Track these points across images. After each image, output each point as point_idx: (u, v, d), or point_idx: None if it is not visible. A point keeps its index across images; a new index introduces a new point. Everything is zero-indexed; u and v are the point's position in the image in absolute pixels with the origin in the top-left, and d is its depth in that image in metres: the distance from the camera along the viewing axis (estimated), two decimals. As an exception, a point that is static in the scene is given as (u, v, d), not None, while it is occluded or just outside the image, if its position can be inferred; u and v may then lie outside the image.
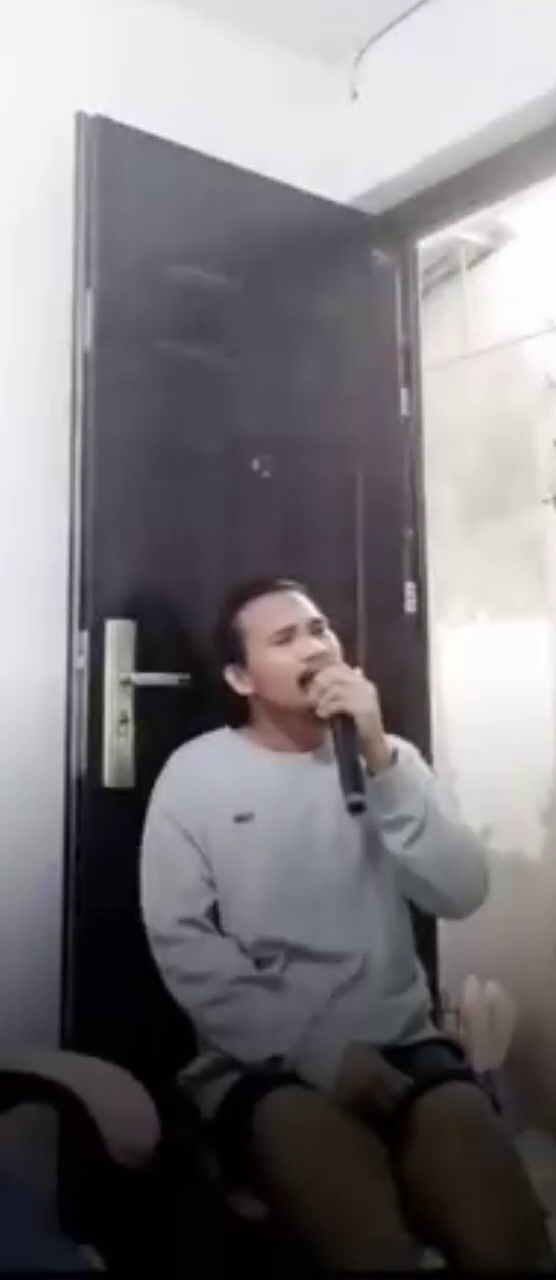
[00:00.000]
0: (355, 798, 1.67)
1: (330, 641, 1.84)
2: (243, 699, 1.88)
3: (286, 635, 1.81)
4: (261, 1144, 1.55)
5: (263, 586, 1.88)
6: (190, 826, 1.78)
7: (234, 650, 1.86)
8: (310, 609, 1.85)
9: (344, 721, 1.72)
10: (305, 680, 1.77)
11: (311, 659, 1.79)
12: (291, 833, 1.78)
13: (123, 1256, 1.44)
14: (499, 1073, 2.96)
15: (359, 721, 1.71)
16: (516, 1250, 1.38)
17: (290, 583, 1.89)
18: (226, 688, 1.88)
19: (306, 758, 1.85)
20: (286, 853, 1.76)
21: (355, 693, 1.74)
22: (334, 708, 1.73)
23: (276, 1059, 1.63)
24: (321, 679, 1.75)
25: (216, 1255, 1.71)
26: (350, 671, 1.79)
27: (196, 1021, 1.75)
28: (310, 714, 1.78)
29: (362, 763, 1.72)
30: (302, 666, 1.78)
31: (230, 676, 1.87)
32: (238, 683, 1.87)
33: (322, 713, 1.74)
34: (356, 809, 1.67)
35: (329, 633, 1.85)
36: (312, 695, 1.76)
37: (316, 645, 1.81)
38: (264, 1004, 1.69)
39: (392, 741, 1.80)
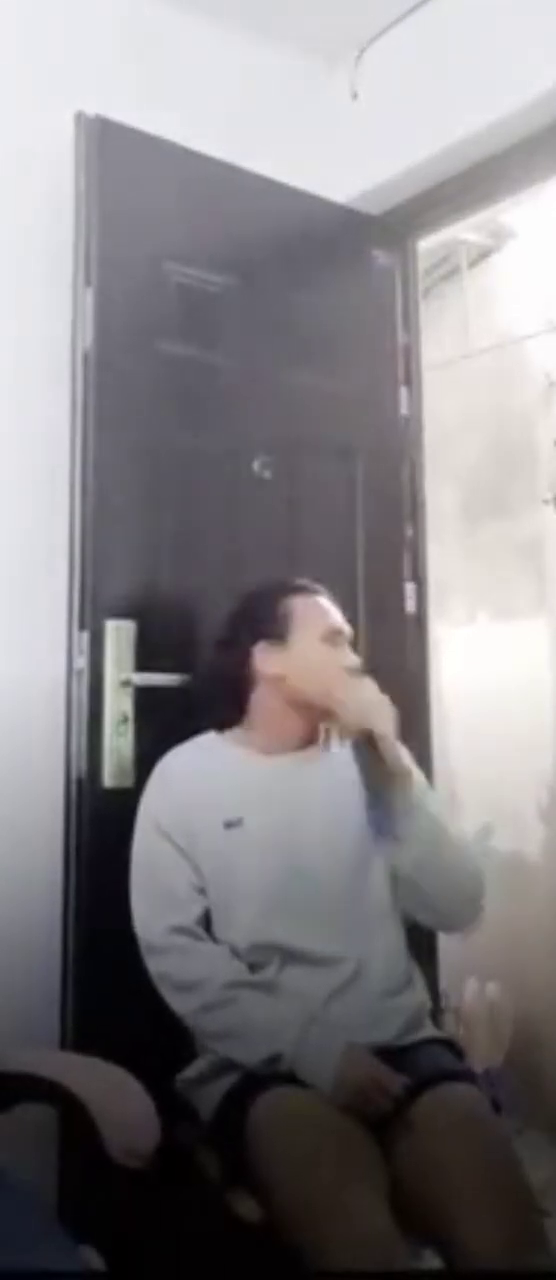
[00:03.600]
0: (378, 816, 1.70)
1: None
2: (241, 690, 1.87)
3: (335, 637, 1.86)
4: (256, 1144, 1.56)
5: (308, 588, 1.91)
6: (179, 835, 1.77)
7: (274, 629, 1.85)
8: (344, 623, 1.91)
9: (366, 740, 1.74)
10: (340, 690, 1.82)
11: (348, 669, 1.84)
12: (281, 837, 1.77)
13: (123, 1256, 1.44)
14: (499, 1073, 2.96)
15: (381, 743, 1.73)
16: (514, 1251, 1.38)
17: (324, 590, 1.93)
18: (224, 669, 1.89)
19: (295, 758, 1.85)
20: (277, 857, 1.76)
21: (381, 712, 1.75)
22: (362, 724, 1.75)
23: (274, 1058, 1.63)
24: (350, 694, 1.77)
25: (216, 1255, 1.71)
26: (376, 691, 1.80)
27: (192, 1027, 1.75)
28: (325, 716, 1.83)
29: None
30: (342, 673, 1.83)
31: (259, 651, 1.85)
32: (264, 660, 1.85)
33: (348, 729, 1.77)
34: (379, 827, 1.71)
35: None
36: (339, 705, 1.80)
37: (354, 658, 1.87)
38: (260, 1006, 1.69)
39: None
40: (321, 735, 1.90)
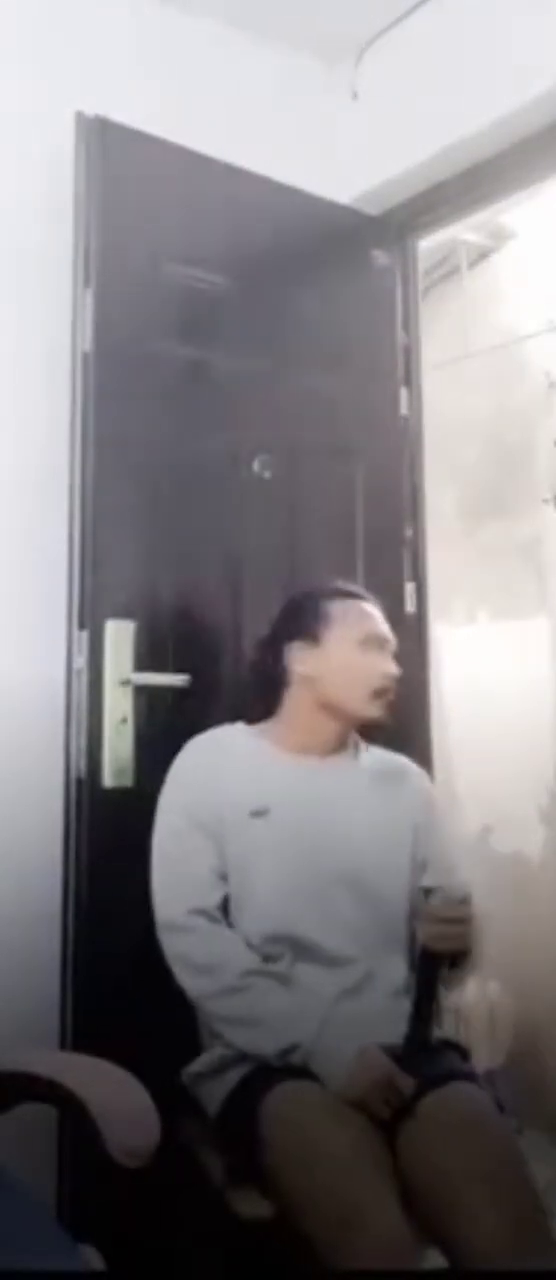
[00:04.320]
0: (413, 1050, 1.67)
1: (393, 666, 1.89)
2: (276, 687, 1.89)
3: (373, 643, 1.86)
4: (266, 1139, 1.56)
5: (357, 593, 1.93)
6: (205, 818, 1.78)
7: (311, 629, 1.87)
8: (388, 631, 1.90)
9: (441, 958, 1.72)
10: (377, 695, 1.83)
11: (386, 677, 1.85)
12: (304, 833, 1.78)
13: (123, 1256, 1.44)
14: (499, 1073, 2.96)
15: (462, 963, 1.74)
16: (520, 1251, 1.38)
17: (371, 598, 1.94)
18: (261, 666, 1.92)
19: (322, 760, 1.86)
20: (300, 850, 1.77)
21: (472, 937, 1.73)
22: (442, 947, 1.71)
23: (290, 1050, 1.63)
24: (440, 912, 1.72)
25: (216, 1255, 1.71)
26: (469, 908, 1.75)
27: (205, 1013, 1.76)
28: (355, 722, 1.86)
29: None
30: (378, 681, 1.83)
31: (293, 650, 1.87)
32: (298, 659, 1.87)
33: (428, 945, 1.71)
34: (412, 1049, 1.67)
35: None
36: (374, 711, 1.83)
37: (393, 668, 1.86)
38: (276, 996, 1.70)
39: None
40: (351, 742, 1.91)
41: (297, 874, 1.76)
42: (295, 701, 1.88)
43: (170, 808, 1.82)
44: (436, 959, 1.71)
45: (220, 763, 1.84)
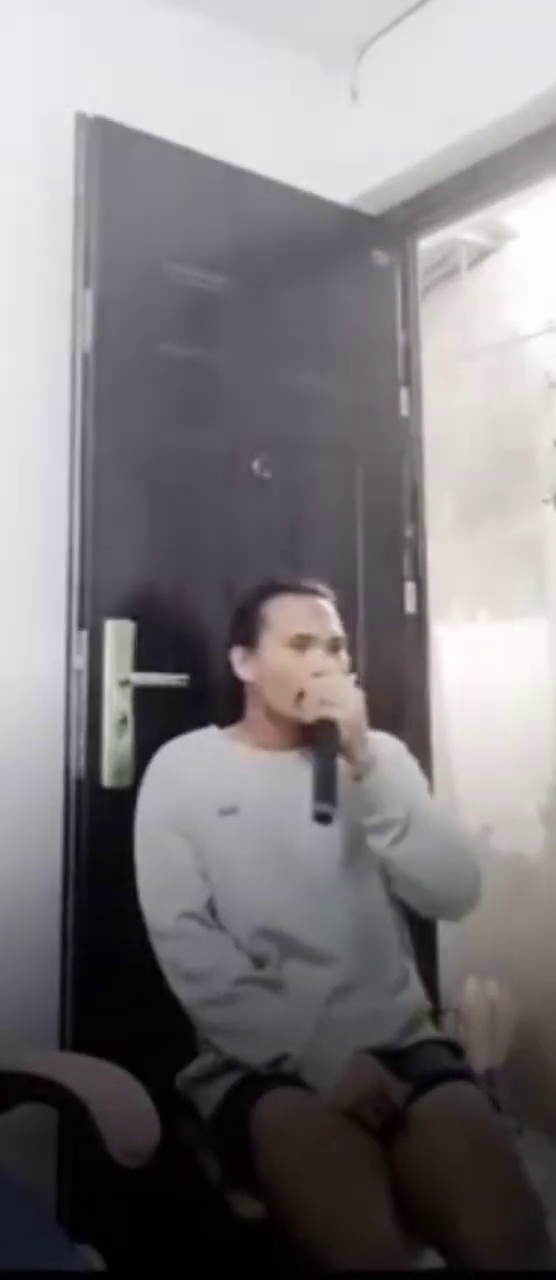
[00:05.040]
0: (322, 808, 1.63)
1: (342, 661, 1.83)
2: (237, 691, 1.88)
3: (302, 643, 1.80)
4: (258, 1144, 1.55)
5: (294, 586, 1.86)
6: (180, 821, 1.78)
7: (248, 634, 1.85)
8: (333, 625, 1.83)
9: (327, 728, 1.70)
10: (303, 696, 1.76)
11: (315, 674, 1.76)
12: (276, 823, 1.78)
13: (123, 1256, 1.44)
14: (499, 1073, 2.96)
15: (340, 729, 1.69)
16: (516, 1248, 1.38)
17: (323, 590, 1.88)
18: (228, 670, 1.89)
19: (290, 755, 1.84)
20: (272, 842, 1.76)
21: (341, 700, 1.71)
22: (319, 712, 1.70)
23: (280, 1059, 1.62)
24: (311, 685, 1.73)
25: (216, 1255, 1.71)
26: (340, 678, 1.77)
27: (197, 1021, 1.75)
28: (299, 723, 1.79)
29: (343, 769, 1.70)
30: (306, 683, 1.76)
31: (235, 656, 1.87)
32: (240, 665, 1.87)
33: (308, 718, 1.73)
34: (322, 819, 1.63)
35: (343, 654, 1.84)
36: (303, 710, 1.75)
37: (328, 663, 1.79)
38: (267, 1005, 1.69)
39: (378, 738, 1.79)
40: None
41: (272, 869, 1.75)
42: (249, 707, 1.89)
43: (144, 815, 1.82)
44: (322, 730, 1.69)
45: (188, 764, 1.84)
